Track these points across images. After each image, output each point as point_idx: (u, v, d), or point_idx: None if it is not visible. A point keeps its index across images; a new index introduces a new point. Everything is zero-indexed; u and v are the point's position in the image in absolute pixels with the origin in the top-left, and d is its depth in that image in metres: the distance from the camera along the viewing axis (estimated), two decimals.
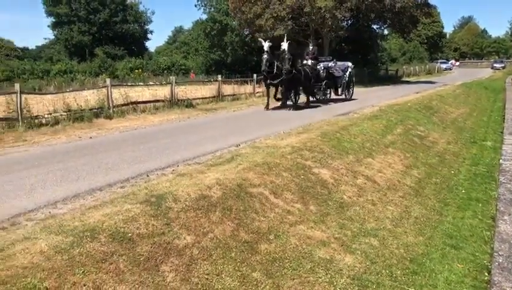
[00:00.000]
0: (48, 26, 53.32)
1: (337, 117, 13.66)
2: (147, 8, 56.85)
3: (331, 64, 19.04)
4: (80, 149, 9.06)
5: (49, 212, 5.38)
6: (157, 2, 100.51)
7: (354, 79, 21.07)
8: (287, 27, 30.12)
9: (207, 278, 4.80)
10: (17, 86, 11.79)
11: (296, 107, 16.24)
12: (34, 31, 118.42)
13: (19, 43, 54.41)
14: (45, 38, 57.92)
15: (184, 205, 5.77)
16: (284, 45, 15.48)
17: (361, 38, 37.08)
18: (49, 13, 51.19)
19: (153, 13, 60.75)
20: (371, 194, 8.27)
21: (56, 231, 4.65)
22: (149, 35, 58.65)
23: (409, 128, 13.75)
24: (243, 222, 5.96)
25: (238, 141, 9.76)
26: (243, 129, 11.65)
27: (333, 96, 19.47)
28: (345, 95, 19.93)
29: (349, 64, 20.17)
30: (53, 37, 54.86)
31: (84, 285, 4.00)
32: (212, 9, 40.78)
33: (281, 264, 5.46)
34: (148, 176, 7.04)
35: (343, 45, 38.49)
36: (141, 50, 55.34)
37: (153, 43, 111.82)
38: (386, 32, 45.11)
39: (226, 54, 40.37)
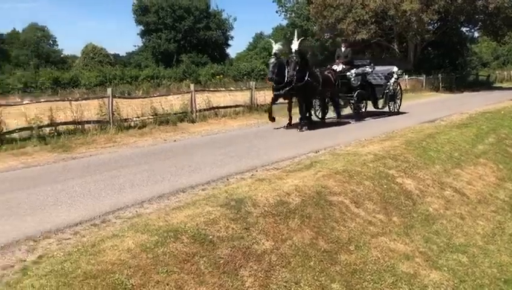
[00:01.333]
0: (137, 34, 56.66)
1: (423, 124, 13.04)
2: (229, 15, 58.06)
3: (367, 69, 15.20)
4: (165, 151, 9.43)
5: (136, 211, 5.63)
6: (239, 8, 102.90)
7: (401, 87, 17.26)
8: (369, 31, 29.47)
9: (285, 286, 4.75)
10: (109, 91, 12.58)
11: (309, 124, 12.40)
12: (124, 38, 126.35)
13: (111, 50, 58.27)
14: (134, 46, 61.63)
15: (263, 210, 5.77)
16: (294, 45, 12.22)
17: (449, 42, 35.19)
18: (138, 22, 54.29)
19: (235, 19, 62.23)
20: (459, 207, 7.77)
21: (142, 229, 4.84)
22: (230, 41, 60.16)
23: (503, 138, 12.76)
24: (322, 230, 5.84)
25: (316, 147, 9.63)
26: (326, 136, 11.49)
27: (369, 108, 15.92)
28: (389, 108, 15.93)
29: (395, 69, 16.30)
30: (141, 44, 58.11)
31: (167, 284, 4.12)
32: (293, 14, 40.91)
33: (361, 276, 5.27)
34: (228, 179, 7.15)
35: (429, 49, 36.81)
36: (222, 56, 56.83)
37: (233, 49, 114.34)
38: (476, 35, 42.52)
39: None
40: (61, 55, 66.73)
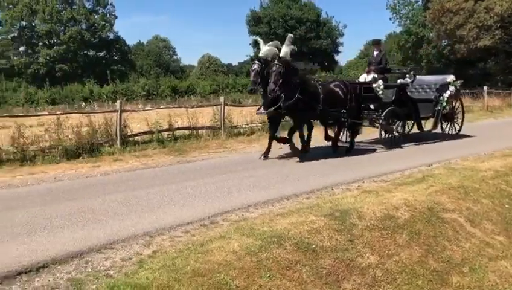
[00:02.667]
0: (249, 44, 58.72)
1: None
2: (338, 22, 57.56)
3: (407, 79, 11.91)
4: (271, 159, 9.60)
5: (242, 215, 5.82)
6: (350, 16, 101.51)
7: (462, 103, 13.36)
8: (494, 37, 27.19)
9: None
10: (221, 99, 13.22)
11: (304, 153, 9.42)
12: (238, 49, 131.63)
13: (225, 60, 61.18)
14: (246, 56, 63.91)
15: (369, 223, 5.61)
16: (284, 49, 9.33)
17: None
18: (251, 32, 56.22)
19: (345, 26, 61.48)
20: None
21: (247, 233, 4.99)
22: (340, 48, 59.67)
23: None
24: (432, 248, 5.51)
25: (429, 160, 9.11)
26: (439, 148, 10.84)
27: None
28: (443, 130, 12.48)
29: (451, 78, 12.29)
30: (253, 54, 60.08)
31: (269, 289, 4.19)
32: (408, 21, 39.29)
33: None
34: (333, 189, 7.07)
35: None
36: (331, 64, 56.52)
37: (344, 57, 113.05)
38: None
39: (420, 66, 38.43)
40: (180, 65, 71.59)
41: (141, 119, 12.12)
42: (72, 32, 49.87)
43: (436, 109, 11.82)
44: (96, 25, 52.35)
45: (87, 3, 53.68)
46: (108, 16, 54.86)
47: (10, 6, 49.78)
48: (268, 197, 6.54)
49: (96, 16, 53.30)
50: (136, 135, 11.61)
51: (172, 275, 4.00)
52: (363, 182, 7.53)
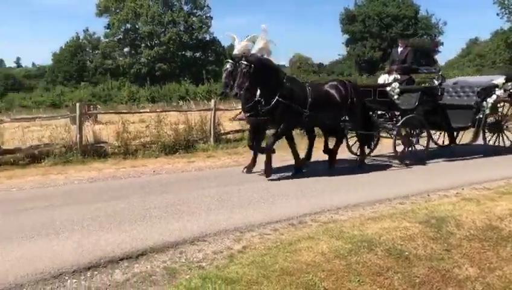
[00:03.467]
0: (342, 43, 57.81)
1: None
2: (437, 19, 54.58)
3: (435, 81, 9.90)
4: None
5: (331, 217, 5.74)
6: (451, 13, 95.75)
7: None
8: None
9: None
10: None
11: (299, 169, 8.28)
12: (329, 48, 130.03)
13: (316, 60, 60.68)
14: (339, 55, 62.93)
15: (468, 233, 5.26)
16: (258, 44, 7.92)
17: None
18: (344, 31, 55.31)
19: (445, 24, 58.01)
20: None
21: (336, 235, 4.91)
22: (440, 48, 56.58)
23: None
24: None
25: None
26: None
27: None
28: (486, 142, 10.05)
29: (500, 80, 9.80)
30: (345, 53, 59.05)
31: None
32: None
33: None
34: (428, 195, 6.73)
35: None
36: (429, 63, 53.80)
37: (444, 56, 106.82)
38: None
39: None
40: None
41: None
42: (171, 34, 52.63)
43: (477, 117, 9.47)
44: (193, 26, 54.70)
45: (185, 6, 56.32)
46: (204, 17, 57.05)
47: (117, 11, 53.74)
48: (360, 200, 6.39)
49: (193, 18, 55.66)
50: (228, 133, 11.97)
51: (261, 272, 4.06)
52: (463, 189, 7.08)
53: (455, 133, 10.25)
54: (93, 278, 4.01)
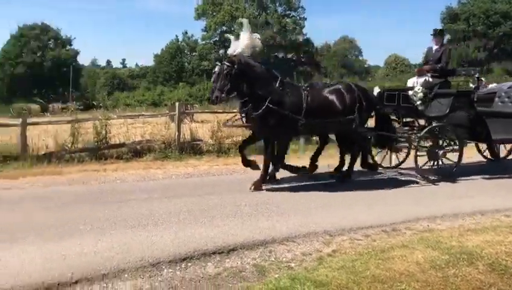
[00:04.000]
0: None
1: None
2: None
3: (470, 84, 8.73)
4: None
5: (427, 226, 5.47)
6: None
7: None
8: None
9: None
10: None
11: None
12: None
13: (414, 61, 57.99)
14: None
15: None
16: (243, 42, 7.08)
17: None
18: (446, 30, 52.26)
19: None
20: None
21: (433, 245, 4.66)
22: None
23: None
24: None
25: None
26: None
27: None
28: None
29: None
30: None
31: None
32: None
33: None
34: None
35: None
36: None
37: None
38: None
39: None
40: (366, 66, 70.51)
41: None
42: (265, 36, 53.49)
43: None
44: (286, 28, 55.08)
45: (279, 8, 56.88)
46: (298, 18, 57.18)
47: (214, 14, 55.78)
48: (460, 211, 6.01)
49: (287, 20, 56.03)
50: None
51: (351, 277, 3.97)
52: None
53: (497, 147, 9.11)
54: (187, 269, 4.20)
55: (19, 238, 4.77)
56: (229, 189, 7.10)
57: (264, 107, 6.71)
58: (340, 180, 7.64)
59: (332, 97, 7.22)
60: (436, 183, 7.63)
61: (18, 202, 6.25)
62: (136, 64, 73.06)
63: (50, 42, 53.47)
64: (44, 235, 4.86)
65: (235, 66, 6.69)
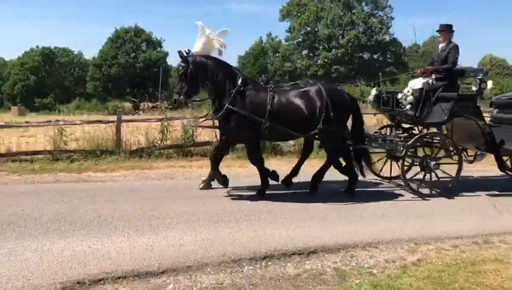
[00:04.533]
0: None
1: None
2: None
3: (472, 87, 7.07)
4: None
5: None
6: None
7: None
8: None
9: None
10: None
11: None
12: None
13: None
14: None
15: None
16: (200, 40, 6.67)
17: None
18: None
19: None
20: None
21: None
22: None
23: None
24: None
25: None
26: None
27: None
28: None
29: None
30: None
31: None
32: None
33: None
34: None
35: None
36: None
37: None
38: None
39: None
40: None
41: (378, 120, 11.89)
42: (350, 36, 52.54)
43: None
44: (373, 28, 53.66)
45: (365, 7, 55.54)
46: (385, 18, 55.47)
47: (299, 15, 55.80)
48: None
49: (373, 19, 54.58)
50: None
51: (437, 288, 3.78)
52: None
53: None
54: (267, 267, 4.25)
55: (108, 228, 5.13)
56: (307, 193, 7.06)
57: (224, 109, 6.39)
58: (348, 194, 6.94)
59: (298, 102, 6.58)
60: (427, 198, 6.75)
61: (111, 194, 6.69)
62: None
63: (142, 44, 56.59)
64: (133, 227, 5.18)
65: (190, 66, 6.42)
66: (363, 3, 55.19)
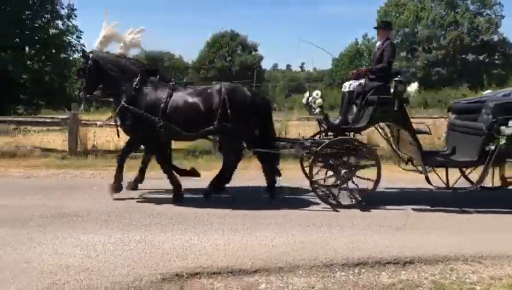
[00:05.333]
0: None
1: None
2: None
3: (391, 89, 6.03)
4: None
5: None
6: None
7: None
8: None
9: None
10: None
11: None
12: None
13: None
14: None
15: None
16: (103, 33, 6.83)
17: None
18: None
19: None
20: None
21: None
22: None
23: None
24: None
25: None
26: None
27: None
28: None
29: None
30: None
31: None
32: None
33: None
34: None
35: None
36: None
37: None
38: None
39: None
40: None
41: None
42: (452, 37, 49.52)
43: (487, 148, 5.99)
44: (479, 27, 50.07)
45: (471, 6, 51.99)
46: (493, 17, 51.45)
47: (397, 15, 53.70)
48: None
49: (480, 18, 50.92)
50: None
51: None
52: None
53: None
54: (360, 275, 4.14)
55: (205, 225, 5.37)
56: (409, 200, 6.77)
57: (120, 105, 6.32)
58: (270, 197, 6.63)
59: (194, 100, 6.31)
60: (338, 209, 6.11)
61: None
62: (314, 68, 74.77)
63: (238, 48, 58.23)
64: (228, 224, 5.36)
65: (89, 62, 6.49)
66: (468, 2, 51.71)
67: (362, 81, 6.52)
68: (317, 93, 6.56)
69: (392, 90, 6.15)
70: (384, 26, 6.98)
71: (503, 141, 5.85)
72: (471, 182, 6.71)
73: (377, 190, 6.33)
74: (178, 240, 4.80)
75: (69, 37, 30.19)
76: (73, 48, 30.53)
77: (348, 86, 6.75)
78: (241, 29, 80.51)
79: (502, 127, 5.82)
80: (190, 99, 6.30)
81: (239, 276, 4.04)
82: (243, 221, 5.49)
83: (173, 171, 6.69)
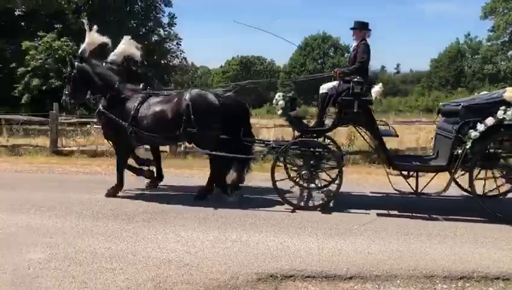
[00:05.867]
0: None
1: None
2: None
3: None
4: None
5: None
6: None
7: None
8: None
9: None
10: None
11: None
12: None
13: None
14: None
15: None
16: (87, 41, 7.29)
17: None
18: None
19: None
20: None
21: None
22: None
23: None
24: None
25: None
26: None
27: None
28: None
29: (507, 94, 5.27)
30: None
31: None
32: None
33: None
34: None
35: None
36: None
37: None
38: None
39: None
40: None
41: None
42: None
43: (455, 152, 5.65)
44: None
45: None
46: None
47: (505, 11, 49.58)
48: None
49: None
50: None
51: None
52: None
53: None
54: (464, 289, 3.89)
55: (298, 228, 5.39)
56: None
57: (97, 110, 6.88)
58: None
59: (162, 107, 6.57)
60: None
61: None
62: (410, 70, 71.69)
63: (330, 50, 57.70)
64: (321, 229, 5.32)
65: (74, 70, 6.96)
66: None
67: (336, 83, 6.42)
68: (279, 95, 6.56)
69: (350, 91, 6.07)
70: (359, 27, 6.61)
71: (469, 145, 5.53)
72: (461, 187, 6.52)
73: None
74: (272, 241, 4.86)
75: (169, 44, 32.09)
76: (174, 54, 32.35)
77: (323, 88, 6.69)
78: (333, 32, 79.64)
79: (470, 131, 5.54)
80: (158, 107, 6.62)
81: (334, 281, 4.00)
82: (337, 227, 5.41)
83: (124, 171, 7.11)
